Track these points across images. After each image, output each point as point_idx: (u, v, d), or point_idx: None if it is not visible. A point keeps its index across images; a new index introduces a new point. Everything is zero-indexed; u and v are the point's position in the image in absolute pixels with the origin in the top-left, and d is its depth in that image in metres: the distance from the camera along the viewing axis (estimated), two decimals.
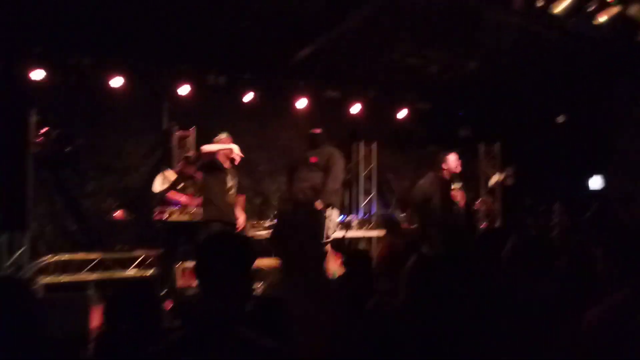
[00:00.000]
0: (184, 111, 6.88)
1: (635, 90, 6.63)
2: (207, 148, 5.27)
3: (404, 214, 8.07)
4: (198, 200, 5.62)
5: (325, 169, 5.13)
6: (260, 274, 5.70)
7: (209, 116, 6.85)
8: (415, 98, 8.35)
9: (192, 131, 7.08)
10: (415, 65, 6.70)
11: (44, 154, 5.97)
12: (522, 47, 5.73)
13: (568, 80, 6.96)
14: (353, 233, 7.63)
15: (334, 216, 5.17)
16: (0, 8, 4.92)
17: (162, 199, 5.93)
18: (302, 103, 7.51)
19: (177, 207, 5.82)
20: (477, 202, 8.60)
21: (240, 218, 5.37)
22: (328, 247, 5.09)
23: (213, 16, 5.40)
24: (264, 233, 6.56)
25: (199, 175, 5.54)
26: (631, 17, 4.19)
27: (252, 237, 6.57)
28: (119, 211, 6.28)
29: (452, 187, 5.43)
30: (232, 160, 5.31)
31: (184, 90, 6.74)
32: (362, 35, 5.80)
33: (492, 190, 8.79)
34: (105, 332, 2.17)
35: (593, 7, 4.20)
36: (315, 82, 7.48)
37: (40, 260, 5.63)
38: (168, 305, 4.69)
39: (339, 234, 7.22)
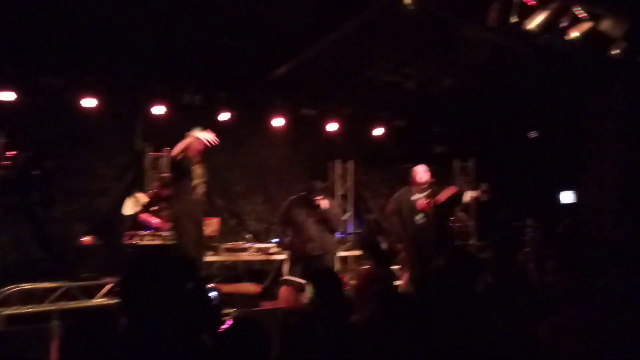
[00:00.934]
0: (158, 131, 6.71)
1: (607, 105, 6.78)
2: (175, 150, 5.05)
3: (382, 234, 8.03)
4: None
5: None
6: (233, 299, 5.51)
7: (184, 136, 6.68)
8: (392, 115, 8.37)
9: (166, 152, 6.90)
10: (391, 82, 6.72)
11: (11, 178, 5.76)
12: (496, 63, 5.80)
13: (541, 95, 7.08)
14: None
15: None
16: None
17: (133, 223, 5.72)
18: (278, 122, 7.43)
19: (149, 231, 5.61)
20: (451, 219, 8.64)
21: None
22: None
23: (188, 34, 5.31)
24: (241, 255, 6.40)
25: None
26: (603, 32, 4.28)
27: (226, 260, 6.42)
28: (87, 237, 6.01)
29: (417, 197, 5.38)
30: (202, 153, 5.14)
31: (158, 110, 6.58)
32: (338, 53, 5.79)
33: (466, 207, 8.81)
34: None
35: (565, 23, 4.26)
36: (291, 101, 7.42)
37: (2, 290, 5.31)
38: None
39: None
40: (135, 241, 5.52)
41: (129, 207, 5.84)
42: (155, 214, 5.79)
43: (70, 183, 6.45)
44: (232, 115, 7.08)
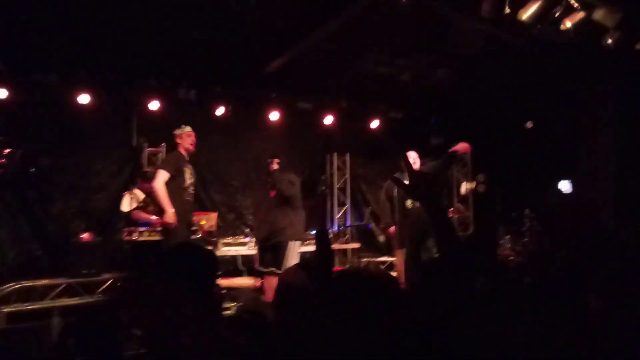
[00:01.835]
0: (154, 127, 6.72)
1: (602, 94, 6.79)
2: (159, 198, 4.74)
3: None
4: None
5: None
6: (234, 293, 5.54)
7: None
8: (388, 107, 8.37)
9: (162, 147, 6.91)
10: (386, 74, 6.72)
11: (7, 176, 5.76)
12: (490, 54, 5.81)
13: (536, 86, 7.09)
14: None
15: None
16: None
17: (130, 219, 5.74)
18: (274, 116, 7.44)
19: (147, 227, 5.63)
20: (449, 210, 8.67)
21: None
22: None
23: (182, 29, 5.30)
24: (240, 249, 6.43)
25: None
26: (596, 22, 4.28)
27: (225, 255, 6.44)
28: (86, 233, 6.03)
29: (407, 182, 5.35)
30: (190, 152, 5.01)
31: (153, 105, 6.59)
32: (333, 46, 5.79)
33: (464, 198, 8.85)
34: None
35: (559, 13, 4.26)
36: (287, 94, 7.42)
37: (2, 287, 5.33)
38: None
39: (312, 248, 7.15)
40: (134, 237, 5.53)
41: (127, 203, 5.85)
42: (144, 209, 5.79)
43: (67, 180, 6.46)
44: (227, 110, 7.09)
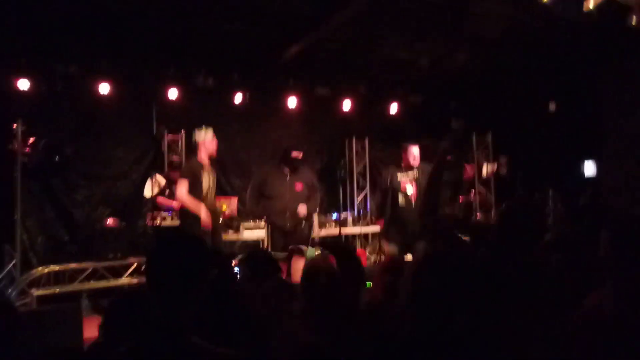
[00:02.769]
0: (173, 115, 6.80)
1: (626, 75, 6.62)
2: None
3: None
4: None
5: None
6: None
7: (199, 119, 6.76)
8: (406, 92, 8.31)
9: (182, 134, 7.01)
10: (405, 59, 6.66)
11: (33, 165, 5.89)
12: (511, 36, 5.70)
13: (558, 67, 6.94)
14: (348, 230, 7.59)
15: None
16: None
17: (153, 205, 5.86)
18: (292, 102, 7.45)
19: (169, 213, 5.75)
20: (470, 194, 8.60)
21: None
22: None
23: (199, 18, 5.33)
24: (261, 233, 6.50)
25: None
26: (620, 1, 4.17)
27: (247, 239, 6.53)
28: (110, 219, 6.19)
29: (403, 178, 5.30)
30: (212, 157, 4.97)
31: (172, 93, 6.67)
32: (350, 31, 5.75)
33: (486, 181, 8.77)
34: (102, 343, 2.11)
35: None
36: (304, 81, 7.42)
37: (32, 272, 5.53)
38: None
39: (333, 231, 7.20)
40: (157, 222, 5.66)
41: (149, 189, 5.97)
42: (170, 196, 5.90)
43: (90, 168, 6.61)
44: (246, 97, 7.13)
